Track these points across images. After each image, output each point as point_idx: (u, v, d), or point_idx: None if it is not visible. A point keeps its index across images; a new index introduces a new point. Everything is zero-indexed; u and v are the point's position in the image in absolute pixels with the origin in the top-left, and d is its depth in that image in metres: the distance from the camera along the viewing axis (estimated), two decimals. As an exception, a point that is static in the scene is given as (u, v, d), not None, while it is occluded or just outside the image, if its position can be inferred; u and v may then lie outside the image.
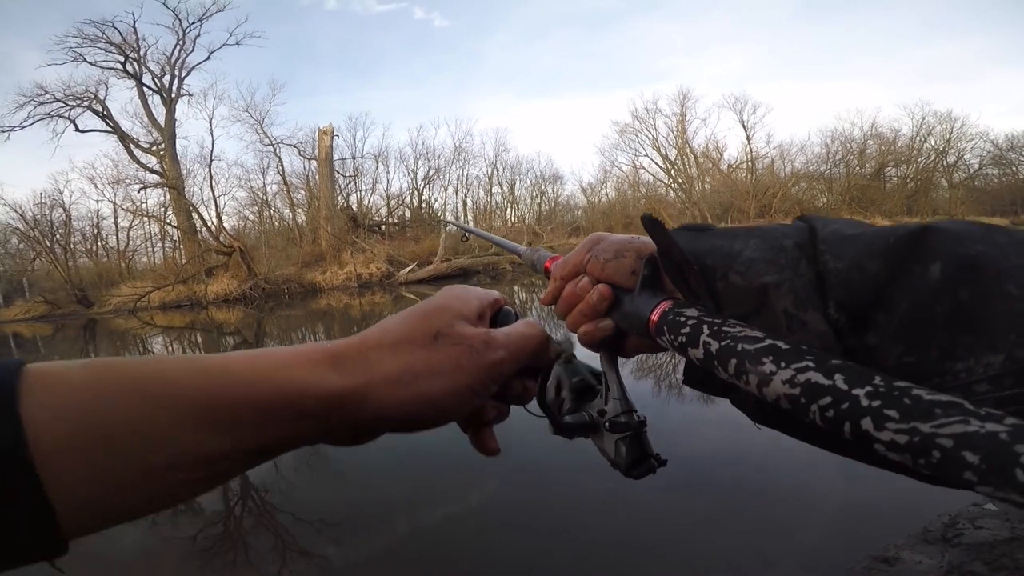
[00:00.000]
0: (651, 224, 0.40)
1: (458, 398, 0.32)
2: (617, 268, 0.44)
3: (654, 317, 0.39)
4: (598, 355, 0.48)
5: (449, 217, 28.15)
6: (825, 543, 2.04)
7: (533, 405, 0.45)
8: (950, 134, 28.55)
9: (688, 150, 31.12)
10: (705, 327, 0.34)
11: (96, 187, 24.33)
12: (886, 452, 0.23)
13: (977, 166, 30.68)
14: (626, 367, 0.49)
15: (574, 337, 0.49)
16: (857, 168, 28.93)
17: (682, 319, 0.36)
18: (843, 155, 29.00)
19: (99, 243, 22.07)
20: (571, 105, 58.68)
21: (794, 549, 2.06)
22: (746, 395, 0.32)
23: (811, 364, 0.27)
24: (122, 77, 20.20)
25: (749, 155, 29.82)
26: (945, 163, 29.41)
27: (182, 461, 0.25)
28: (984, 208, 29.29)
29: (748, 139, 29.86)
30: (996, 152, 30.59)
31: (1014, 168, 31.47)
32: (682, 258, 0.38)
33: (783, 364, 0.28)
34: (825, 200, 28.76)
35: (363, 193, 24.44)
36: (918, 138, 28.81)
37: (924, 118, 28.60)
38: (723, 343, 0.32)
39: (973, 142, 29.19)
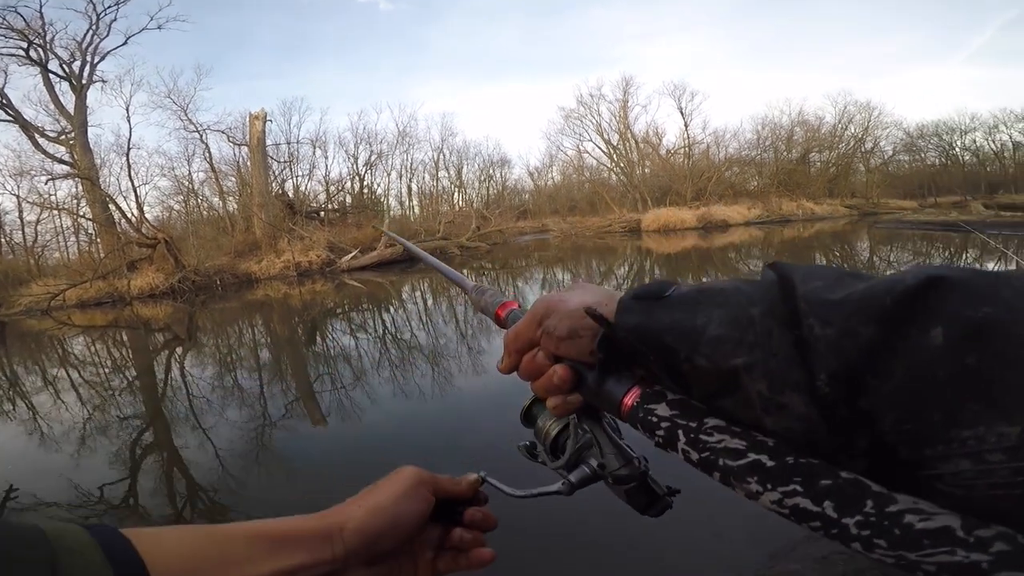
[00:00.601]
0: (595, 318, 0.37)
1: (399, 503, 0.43)
2: (575, 348, 0.41)
3: (626, 403, 0.37)
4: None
5: (392, 202, 27.53)
6: (769, 516, 2.15)
7: (538, 487, 0.47)
8: (868, 122, 30.71)
9: (629, 135, 31.87)
10: (680, 433, 0.33)
11: (-5, 179, 22.09)
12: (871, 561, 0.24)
13: (891, 152, 33.19)
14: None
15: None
16: (785, 153, 30.60)
17: (654, 420, 0.34)
18: (772, 141, 30.63)
19: (2, 239, 20.11)
20: (519, 91, 58.81)
21: (742, 522, 2.16)
22: None
23: (799, 488, 0.26)
24: (24, 64, 18.25)
25: (686, 141, 30.92)
26: (863, 149, 31.59)
27: None
28: (896, 191, 31.74)
29: (686, 125, 30.95)
30: (908, 140, 33.19)
31: (923, 155, 34.21)
32: (635, 349, 0.36)
33: (769, 486, 0.27)
34: (756, 183, 30.24)
35: (300, 179, 23.54)
36: (840, 126, 30.81)
37: (846, 107, 30.62)
38: (703, 455, 0.31)
39: (888, 130, 31.59)
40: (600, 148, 32.52)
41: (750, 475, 0.28)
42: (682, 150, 31.13)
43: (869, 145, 31.60)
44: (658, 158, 31.78)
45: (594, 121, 32.15)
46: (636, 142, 31.99)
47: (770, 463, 0.28)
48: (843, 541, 0.25)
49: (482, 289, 0.62)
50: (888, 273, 0.29)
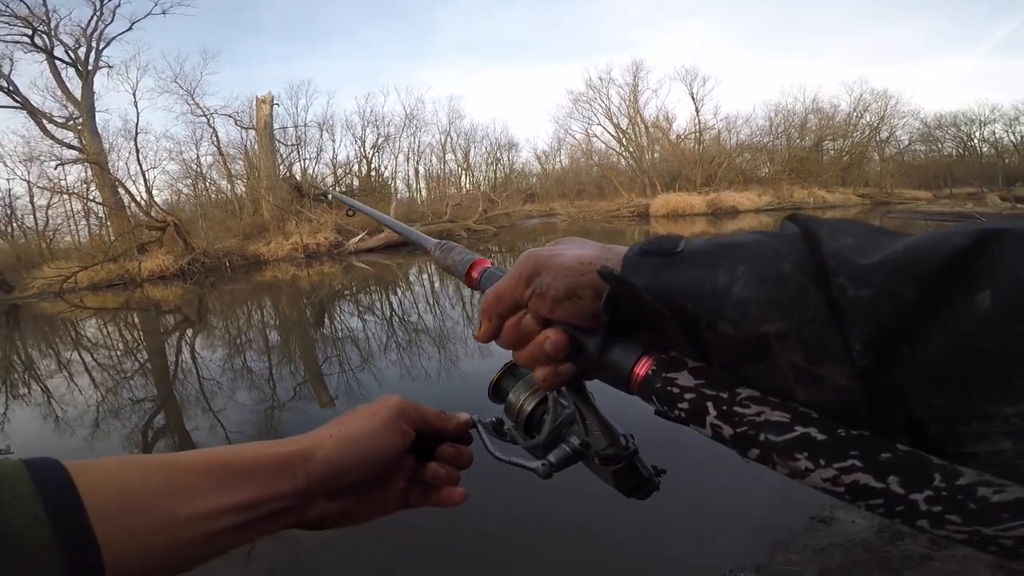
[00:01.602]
0: (610, 279, 0.31)
1: (375, 436, 0.41)
2: (572, 310, 0.34)
3: (638, 373, 0.32)
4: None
5: (400, 185, 27.40)
6: (771, 507, 2.15)
7: (518, 457, 0.44)
8: (884, 111, 30.05)
9: (639, 120, 31.46)
10: (710, 405, 0.28)
11: (6, 165, 22.46)
12: (938, 537, 0.22)
13: (907, 142, 32.50)
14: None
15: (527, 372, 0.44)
16: (798, 141, 30.11)
17: (675, 391, 0.29)
18: (785, 128, 30.11)
19: (14, 223, 20.28)
20: (528, 74, 58.22)
21: (745, 513, 2.17)
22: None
23: (858, 463, 0.23)
24: (30, 50, 18.19)
25: (697, 126, 30.42)
26: (878, 138, 31.00)
27: (196, 514, 0.32)
28: (911, 181, 31.20)
29: (697, 111, 30.42)
30: (925, 130, 32.49)
31: (939, 145, 33.53)
32: (653, 310, 0.30)
33: (822, 462, 0.24)
34: (767, 170, 29.83)
35: (307, 162, 23.48)
36: (855, 114, 30.19)
37: (862, 95, 29.96)
38: (739, 430, 0.27)
39: (904, 119, 30.87)
40: (609, 132, 32.19)
41: (799, 451, 0.25)
42: (692, 135, 30.71)
43: (884, 134, 30.98)
44: (668, 143, 31.39)
45: (603, 105, 31.77)
46: (646, 126, 31.60)
47: (821, 436, 0.24)
48: (908, 519, 0.22)
49: (448, 246, 0.55)
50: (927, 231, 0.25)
